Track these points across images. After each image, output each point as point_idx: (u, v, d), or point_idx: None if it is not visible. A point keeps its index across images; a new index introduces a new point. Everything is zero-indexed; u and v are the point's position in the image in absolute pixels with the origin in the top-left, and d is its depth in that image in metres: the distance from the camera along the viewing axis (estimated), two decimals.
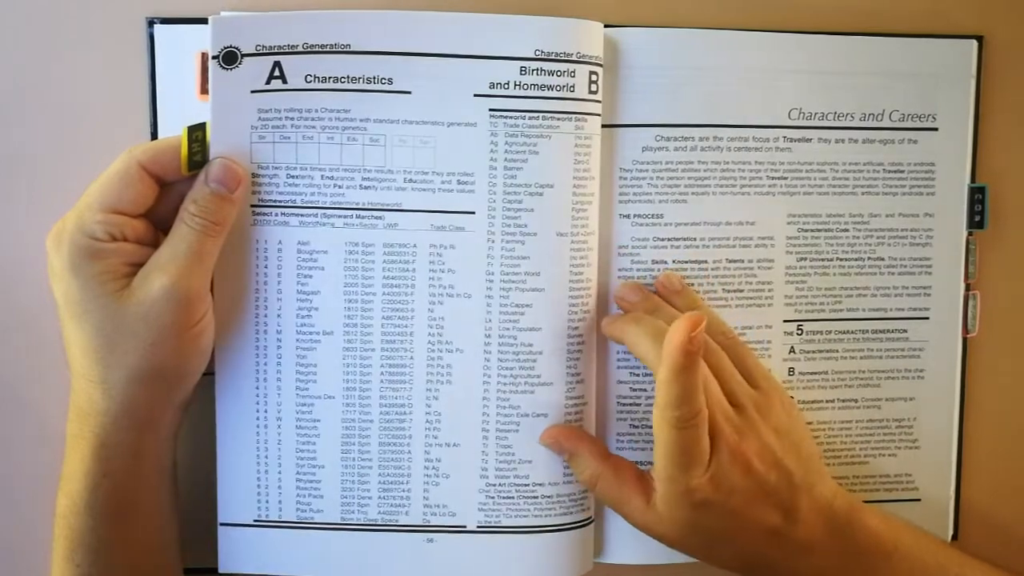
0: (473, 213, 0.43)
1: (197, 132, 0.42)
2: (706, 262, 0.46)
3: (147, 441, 0.41)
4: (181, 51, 0.45)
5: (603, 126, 0.44)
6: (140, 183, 0.40)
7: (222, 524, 0.45)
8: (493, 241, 0.43)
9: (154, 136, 0.45)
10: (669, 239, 0.46)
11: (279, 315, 0.44)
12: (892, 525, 0.43)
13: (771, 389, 0.44)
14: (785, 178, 0.47)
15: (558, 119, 0.43)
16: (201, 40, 0.43)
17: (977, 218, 0.48)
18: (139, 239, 0.40)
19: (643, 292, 0.45)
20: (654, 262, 0.46)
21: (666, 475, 0.40)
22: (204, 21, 0.44)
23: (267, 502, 0.45)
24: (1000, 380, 0.50)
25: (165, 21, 0.44)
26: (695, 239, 0.46)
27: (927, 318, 0.48)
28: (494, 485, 0.44)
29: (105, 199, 0.39)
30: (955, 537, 0.49)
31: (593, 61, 0.43)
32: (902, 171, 0.47)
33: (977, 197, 0.48)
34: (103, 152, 0.45)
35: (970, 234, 0.48)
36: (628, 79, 0.45)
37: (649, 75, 0.45)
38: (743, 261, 0.47)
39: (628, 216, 0.46)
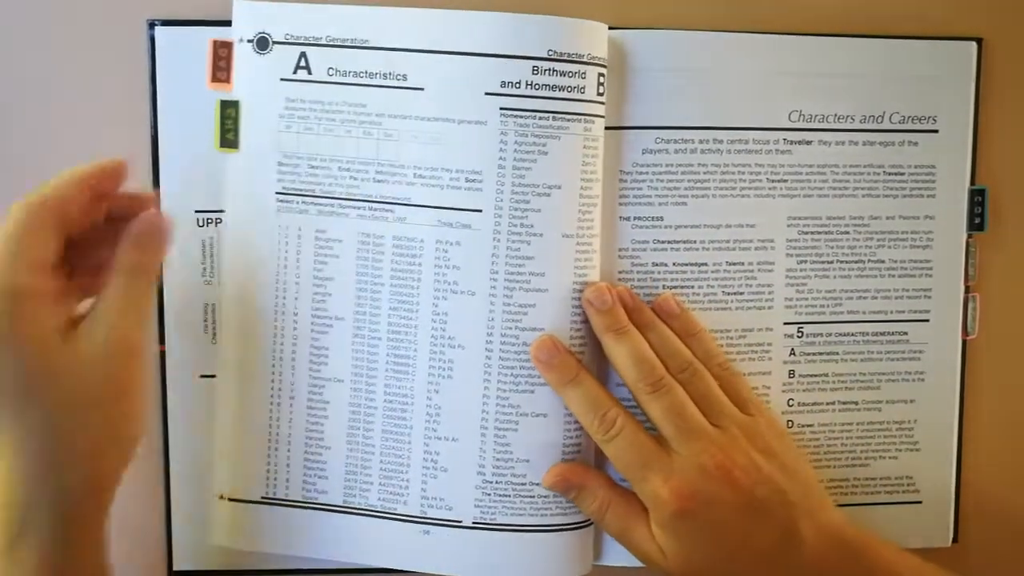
0: (480, 211, 0.43)
1: (230, 109, 0.43)
2: (706, 265, 0.46)
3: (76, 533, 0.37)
4: (182, 52, 0.45)
5: (605, 128, 0.44)
6: (49, 234, 0.36)
7: (231, 500, 0.45)
8: (499, 240, 0.43)
9: (155, 137, 0.45)
10: (669, 241, 0.46)
11: (296, 298, 0.45)
12: (909, 560, 0.43)
13: (761, 416, 0.44)
14: (785, 180, 0.47)
15: (568, 120, 0.43)
16: (203, 38, 0.44)
17: (977, 220, 0.48)
18: (60, 294, 0.37)
19: (636, 303, 0.44)
20: (654, 264, 0.46)
21: (630, 478, 0.42)
22: (206, 23, 0.44)
23: (275, 480, 0.45)
24: (1000, 382, 0.50)
25: (166, 23, 0.45)
26: (695, 242, 0.46)
27: (927, 320, 0.48)
28: (491, 482, 0.44)
29: (18, 257, 0.35)
30: (955, 540, 0.49)
31: (601, 63, 0.44)
32: (902, 173, 0.47)
33: (977, 199, 0.48)
34: (104, 153, 0.46)
35: (970, 236, 0.48)
36: (628, 81, 0.45)
37: (649, 77, 0.45)
38: (743, 264, 0.47)
39: (628, 218, 0.46)
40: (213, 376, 0.46)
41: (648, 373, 0.42)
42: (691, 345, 0.44)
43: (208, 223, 0.45)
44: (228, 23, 0.44)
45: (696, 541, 0.41)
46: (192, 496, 0.46)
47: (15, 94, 0.45)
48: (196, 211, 0.45)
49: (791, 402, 0.48)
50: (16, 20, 0.45)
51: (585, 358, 0.44)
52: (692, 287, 0.46)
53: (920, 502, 0.49)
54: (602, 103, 0.44)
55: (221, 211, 0.45)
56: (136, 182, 0.45)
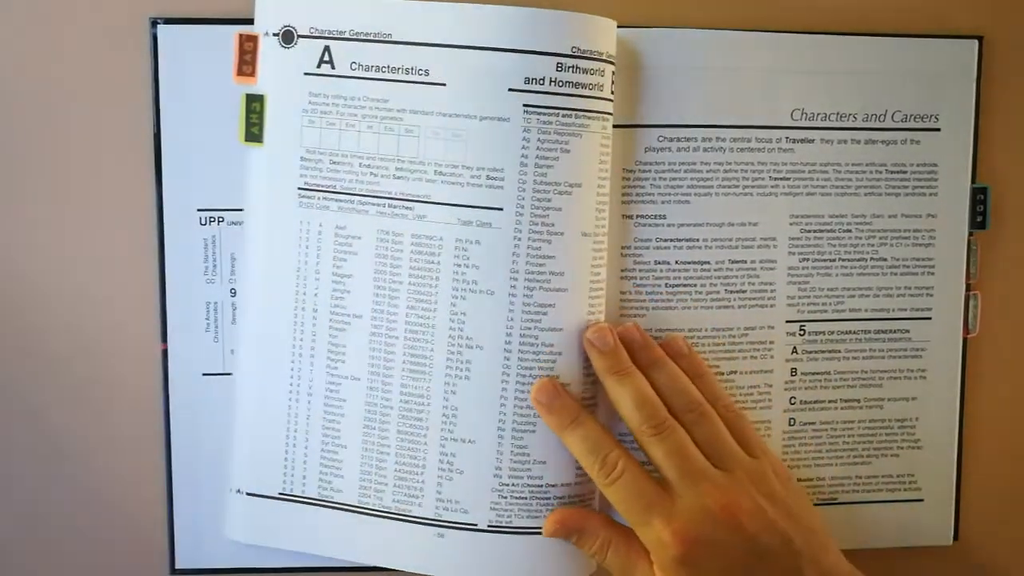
0: (501, 209, 0.43)
1: (255, 103, 0.43)
2: (708, 263, 0.46)
3: None
4: (184, 51, 0.44)
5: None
6: None
7: (248, 494, 0.45)
8: (520, 239, 0.43)
9: (157, 135, 0.45)
10: (672, 240, 0.46)
11: (316, 294, 0.44)
12: None
13: (767, 460, 0.43)
14: (787, 179, 0.47)
15: (589, 118, 0.43)
16: (205, 36, 0.44)
17: (979, 219, 0.48)
18: None
19: (645, 340, 0.44)
20: (657, 263, 0.46)
21: (633, 522, 0.41)
22: (208, 21, 0.44)
23: (292, 476, 0.45)
24: (1001, 380, 0.50)
25: (169, 21, 0.44)
26: (698, 240, 0.46)
27: (929, 318, 0.48)
28: (507, 485, 0.44)
29: None
30: (956, 538, 0.49)
31: (613, 60, 0.43)
32: (904, 172, 0.47)
33: (979, 198, 0.48)
34: (106, 153, 0.46)
35: (972, 234, 0.48)
36: (632, 79, 0.45)
37: (652, 75, 0.45)
38: (746, 262, 0.47)
39: (631, 217, 0.46)
40: (215, 374, 0.46)
41: (650, 416, 0.41)
42: (697, 386, 0.44)
43: (210, 221, 0.45)
44: (231, 21, 0.44)
45: None
46: (194, 495, 0.46)
47: (17, 94, 0.45)
48: (198, 209, 0.45)
49: (793, 400, 0.48)
50: (18, 21, 0.45)
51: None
52: (694, 285, 0.46)
53: (922, 500, 0.49)
54: (613, 101, 0.44)
55: (223, 209, 0.45)
56: (137, 180, 0.46)
